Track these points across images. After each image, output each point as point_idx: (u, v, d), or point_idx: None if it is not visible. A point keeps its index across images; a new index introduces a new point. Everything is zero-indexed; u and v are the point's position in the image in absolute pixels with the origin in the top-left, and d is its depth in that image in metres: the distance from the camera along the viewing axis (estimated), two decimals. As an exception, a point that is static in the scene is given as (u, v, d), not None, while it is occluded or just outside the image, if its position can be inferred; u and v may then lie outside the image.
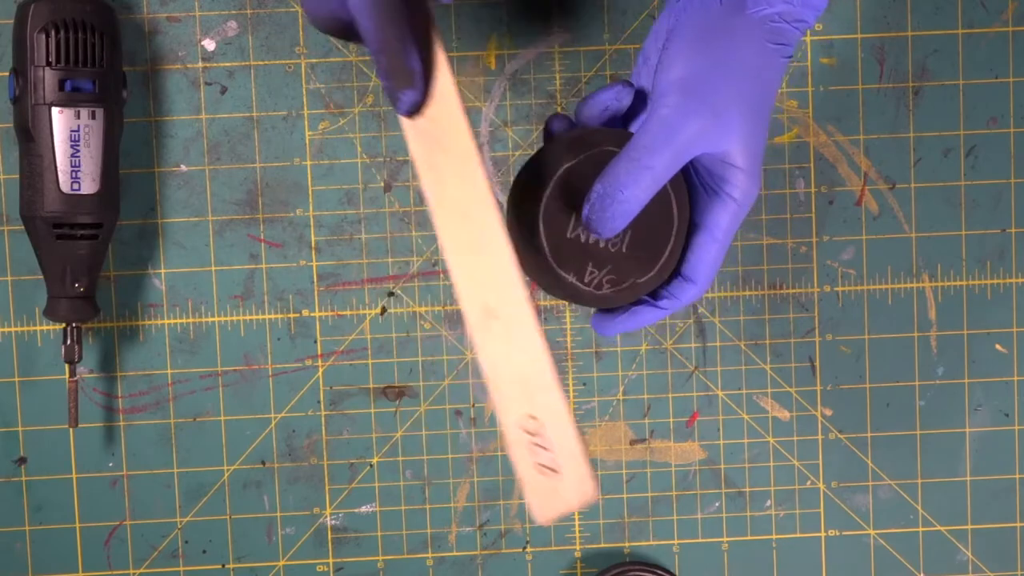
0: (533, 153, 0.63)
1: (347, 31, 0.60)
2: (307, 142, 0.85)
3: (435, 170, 0.58)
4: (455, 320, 0.86)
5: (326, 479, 0.86)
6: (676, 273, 0.65)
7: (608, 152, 0.62)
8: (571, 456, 0.55)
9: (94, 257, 0.81)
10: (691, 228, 0.64)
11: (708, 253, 0.64)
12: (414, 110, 0.60)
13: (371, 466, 0.86)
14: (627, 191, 0.60)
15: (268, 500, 0.86)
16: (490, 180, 0.59)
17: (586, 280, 0.63)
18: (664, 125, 0.60)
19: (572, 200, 0.62)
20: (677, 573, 0.87)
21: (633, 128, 0.67)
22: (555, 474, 0.55)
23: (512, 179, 0.62)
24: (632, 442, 0.87)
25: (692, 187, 0.64)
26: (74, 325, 0.82)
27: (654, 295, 0.65)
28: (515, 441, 0.56)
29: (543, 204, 0.62)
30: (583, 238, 0.63)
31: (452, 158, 0.58)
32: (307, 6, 0.60)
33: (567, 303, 0.84)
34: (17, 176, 0.82)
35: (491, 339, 0.56)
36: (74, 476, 0.85)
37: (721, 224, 0.63)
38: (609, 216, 0.60)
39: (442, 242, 0.58)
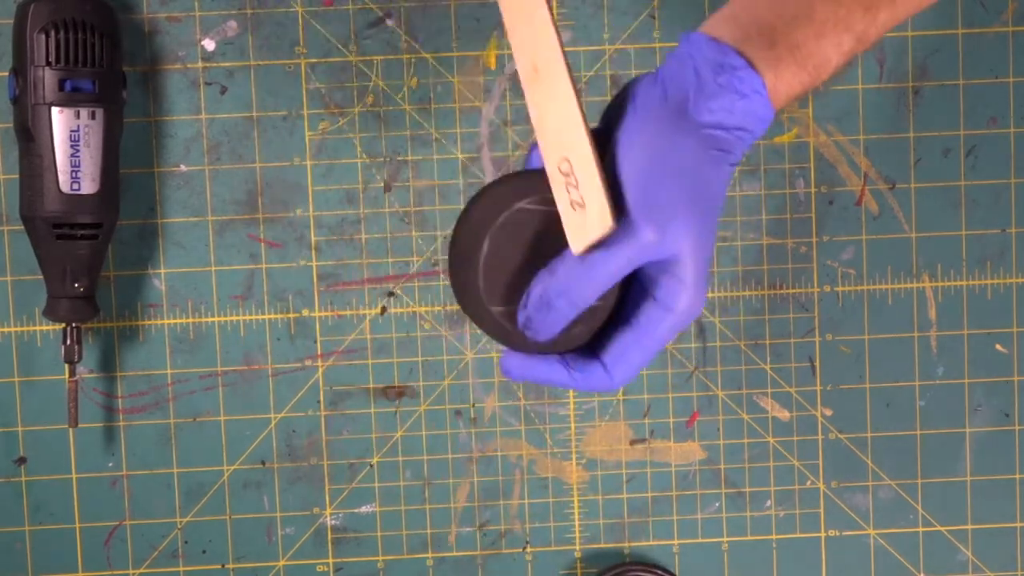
0: (485, 185, 0.63)
1: None
2: (307, 142, 0.85)
3: None
4: (455, 320, 0.86)
5: (326, 479, 0.86)
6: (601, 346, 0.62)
7: (549, 210, 0.61)
8: (594, 192, 0.59)
9: (94, 257, 0.81)
10: (626, 322, 0.61)
11: (635, 355, 0.61)
12: None
13: (371, 466, 0.86)
14: (565, 299, 0.59)
15: (268, 500, 0.86)
16: None
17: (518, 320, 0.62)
18: (608, 241, 0.58)
19: (513, 245, 0.61)
20: (677, 573, 0.87)
21: None
22: (582, 208, 0.60)
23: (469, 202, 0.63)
24: (632, 442, 0.87)
25: (635, 288, 0.62)
26: (74, 325, 0.82)
27: (573, 364, 0.63)
28: (555, 180, 0.61)
29: (483, 251, 0.61)
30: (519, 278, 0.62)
31: None
32: None
33: None
34: (17, 176, 0.82)
35: (536, 93, 0.61)
36: (74, 476, 0.85)
37: (655, 332, 0.60)
38: (545, 322, 0.59)
39: (504, 13, 0.63)
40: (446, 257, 0.63)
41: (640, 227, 0.58)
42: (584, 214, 0.59)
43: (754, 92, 0.59)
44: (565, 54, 0.61)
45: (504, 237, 0.61)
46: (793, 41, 0.59)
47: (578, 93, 0.61)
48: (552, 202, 0.61)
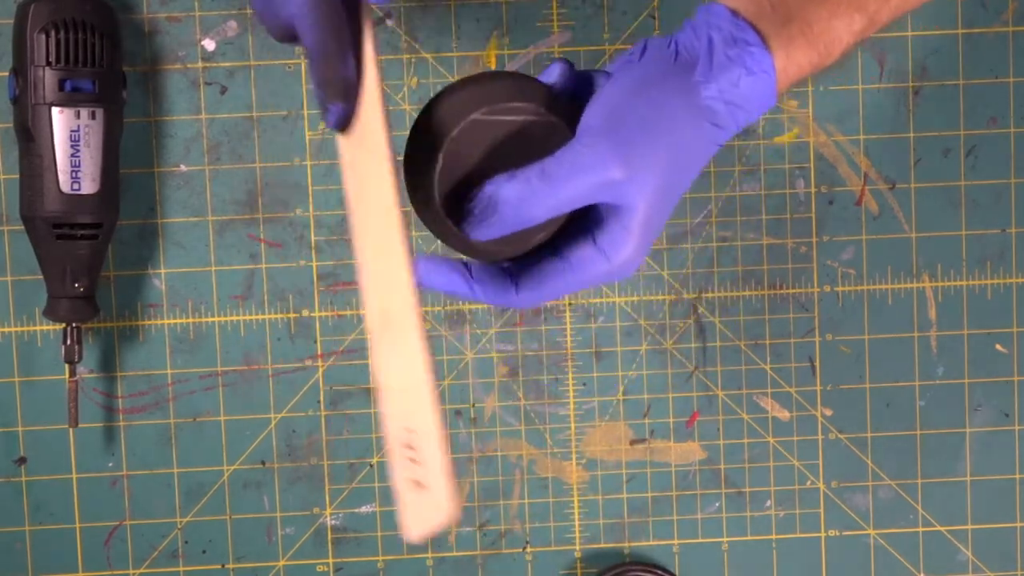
0: (455, 81, 0.61)
1: (296, 37, 0.59)
2: (307, 142, 0.85)
3: (355, 172, 0.58)
4: (455, 320, 0.86)
5: (326, 479, 0.86)
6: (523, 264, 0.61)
7: (520, 122, 0.59)
8: (439, 475, 0.55)
9: (94, 257, 0.81)
10: (556, 253, 0.60)
11: (554, 285, 0.60)
12: (343, 125, 0.59)
13: (371, 466, 0.86)
14: (511, 209, 0.57)
15: (268, 500, 0.86)
16: (399, 189, 0.58)
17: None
18: (575, 162, 0.57)
19: (472, 152, 0.59)
20: (677, 573, 0.87)
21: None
22: (424, 490, 0.55)
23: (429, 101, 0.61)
24: (632, 442, 0.87)
25: (579, 223, 0.61)
26: (74, 325, 0.82)
27: (476, 275, 0.61)
28: (394, 452, 0.56)
29: (443, 150, 0.59)
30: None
31: (369, 164, 0.57)
32: (259, 16, 0.59)
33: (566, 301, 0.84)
34: (17, 176, 0.82)
35: (384, 346, 0.56)
36: (74, 476, 0.85)
37: (584, 274, 0.59)
38: (485, 223, 0.58)
39: (356, 244, 0.57)
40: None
41: (610, 163, 0.57)
42: (425, 497, 0.55)
43: (762, 72, 0.59)
44: (419, 303, 0.56)
45: (460, 147, 0.59)
46: (807, 19, 0.59)
47: (427, 351, 0.56)
48: (513, 112, 0.58)
